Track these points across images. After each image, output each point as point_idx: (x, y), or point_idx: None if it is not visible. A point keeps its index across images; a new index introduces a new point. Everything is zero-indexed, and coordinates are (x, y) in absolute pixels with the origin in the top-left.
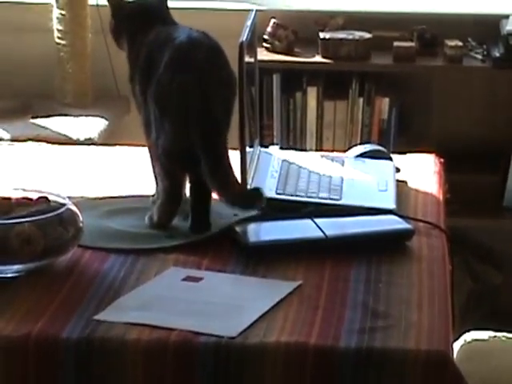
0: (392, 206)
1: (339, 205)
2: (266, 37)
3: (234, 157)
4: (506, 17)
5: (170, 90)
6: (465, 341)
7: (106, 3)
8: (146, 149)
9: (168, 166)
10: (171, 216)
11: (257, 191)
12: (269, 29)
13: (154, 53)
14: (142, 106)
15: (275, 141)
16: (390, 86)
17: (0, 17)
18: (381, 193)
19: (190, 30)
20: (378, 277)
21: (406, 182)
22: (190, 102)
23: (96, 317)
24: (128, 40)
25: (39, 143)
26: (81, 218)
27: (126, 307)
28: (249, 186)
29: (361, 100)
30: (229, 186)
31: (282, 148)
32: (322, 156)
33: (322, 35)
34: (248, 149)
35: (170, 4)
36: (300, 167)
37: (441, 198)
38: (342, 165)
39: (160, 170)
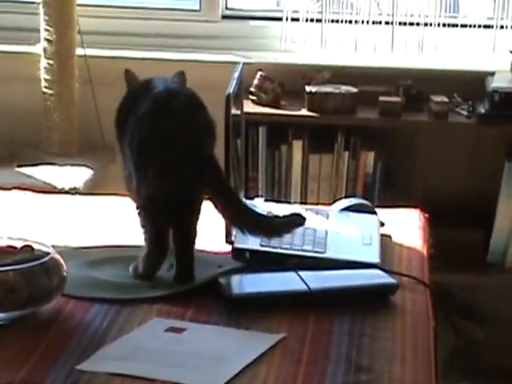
0: (376, 260)
1: (323, 258)
2: (252, 89)
3: None
4: (492, 74)
5: (152, 138)
6: None
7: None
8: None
9: (152, 213)
10: (156, 267)
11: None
12: (255, 81)
13: (131, 101)
14: (121, 155)
15: (260, 193)
16: (375, 140)
17: None
18: (365, 247)
19: (165, 80)
20: (361, 330)
21: (390, 237)
22: (176, 147)
23: (79, 366)
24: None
25: (24, 192)
26: (65, 267)
27: (109, 357)
28: (233, 238)
29: (346, 154)
30: (257, 217)
31: (266, 200)
32: (307, 209)
33: (308, 89)
34: None
35: (158, 55)
36: None
37: (425, 252)
38: (327, 218)
39: (144, 220)
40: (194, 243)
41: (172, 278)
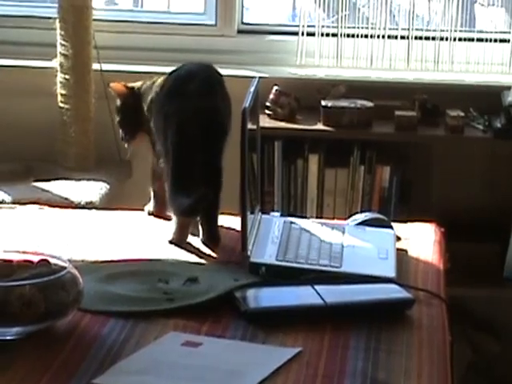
0: (392, 274)
1: (339, 272)
2: (268, 104)
3: (235, 223)
4: (508, 88)
5: (162, 116)
6: None
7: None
8: (145, 213)
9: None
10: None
11: None
12: (271, 96)
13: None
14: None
15: (276, 207)
16: (391, 154)
17: (4, 80)
18: (381, 261)
19: (194, 64)
20: (377, 345)
21: (406, 251)
22: (186, 127)
23: (95, 381)
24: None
25: (41, 206)
26: (81, 282)
27: (125, 371)
28: (249, 252)
29: (362, 168)
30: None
31: (282, 215)
32: (323, 223)
33: (324, 103)
34: (249, 215)
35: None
36: (300, 234)
37: (441, 267)
38: (343, 232)
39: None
40: (218, 208)
41: (201, 240)
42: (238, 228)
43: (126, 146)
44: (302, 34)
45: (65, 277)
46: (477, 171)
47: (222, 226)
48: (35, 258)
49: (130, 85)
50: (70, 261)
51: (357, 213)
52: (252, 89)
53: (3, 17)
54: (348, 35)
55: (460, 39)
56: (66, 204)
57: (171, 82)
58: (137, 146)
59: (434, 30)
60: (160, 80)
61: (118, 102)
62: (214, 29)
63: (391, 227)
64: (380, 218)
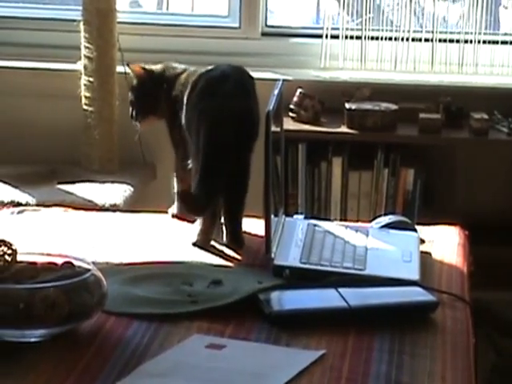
0: (416, 277)
1: (363, 275)
2: (292, 106)
3: (259, 225)
4: None
5: (195, 115)
6: None
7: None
8: (169, 215)
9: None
10: (209, 235)
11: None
12: (295, 98)
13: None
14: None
15: (299, 210)
16: (415, 157)
17: (28, 83)
18: (405, 264)
19: (227, 65)
20: (401, 348)
21: (430, 254)
22: (219, 127)
23: (119, 383)
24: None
25: (65, 209)
26: (105, 284)
27: (150, 373)
28: (273, 255)
29: (386, 171)
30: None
31: (306, 217)
32: (347, 226)
33: (348, 106)
34: (273, 217)
35: None
36: (324, 237)
37: (465, 270)
38: (367, 235)
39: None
40: (242, 211)
41: (225, 242)
42: (262, 231)
43: (135, 124)
44: (326, 36)
45: (89, 279)
46: (501, 174)
47: (245, 232)
48: (59, 261)
49: (149, 67)
50: (93, 263)
51: (381, 215)
52: (276, 91)
53: (27, 19)
54: (372, 38)
55: (484, 42)
56: (90, 206)
57: (204, 82)
58: (146, 127)
59: (459, 33)
60: (185, 76)
61: (134, 82)
62: (238, 31)
63: (415, 230)
64: (404, 220)
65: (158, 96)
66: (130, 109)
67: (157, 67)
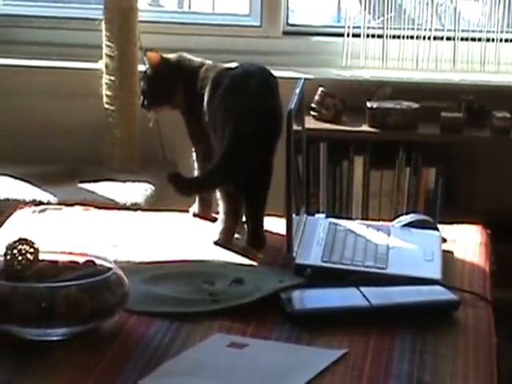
0: (438, 276)
1: (385, 274)
2: (313, 105)
3: (281, 224)
4: None
5: (220, 112)
6: None
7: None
8: (190, 214)
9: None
10: (231, 233)
11: None
12: (316, 97)
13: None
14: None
15: (321, 209)
16: (436, 156)
17: (50, 82)
18: (427, 263)
19: (249, 64)
20: (423, 347)
21: (452, 253)
22: (244, 124)
23: (141, 382)
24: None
25: (86, 207)
26: (127, 282)
27: (171, 372)
28: (295, 253)
29: (407, 170)
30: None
31: (327, 216)
32: (368, 225)
33: (369, 104)
34: (294, 216)
35: None
36: (346, 235)
37: (487, 269)
38: (388, 234)
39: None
40: (264, 210)
41: (246, 243)
42: (284, 229)
43: (147, 112)
44: (348, 35)
45: (110, 278)
46: None
47: (267, 230)
48: (81, 259)
49: (165, 56)
50: (115, 262)
51: (402, 214)
52: (297, 90)
53: (49, 18)
54: (394, 36)
55: (506, 40)
56: (112, 205)
57: (229, 80)
58: (158, 115)
59: (480, 31)
60: (204, 70)
61: (149, 71)
62: (259, 30)
63: (437, 229)
64: (425, 219)
65: (174, 86)
66: (142, 98)
67: (171, 56)
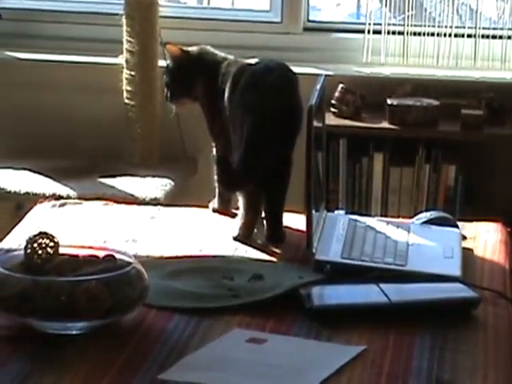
0: (458, 273)
1: (404, 271)
2: (333, 102)
3: (300, 220)
4: None
5: (240, 108)
6: None
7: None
8: (210, 210)
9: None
10: (251, 229)
11: None
12: (337, 94)
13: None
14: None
15: (340, 205)
16: (456, 153)
17: (70, 77)
18: (446, 260)
19: (269, 60)
20: (443, 344)
21: (472, 250)
22: (264, 120)
23: (160, 376)
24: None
25: (106, 202)
26: (146, 277)
27: (191, 367)
28: (314, 250)
29: (427, 167)
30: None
31: (347, 213)
32: (388, 222)
33: (389, 101)
34: (314, 212)
35: None
36: (365, 232)
37: (507, 266)
38: (408, 231)
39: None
40: (283, 206)
41: (265, 239)
42: (303, 226)
43: (170, 104)
44: (369, 31)
45: (130, 272)
46: None
47: (286, 227)
48: (101, 254)
49: (186, 48)
50: (135, 256)
51: (422, 211)
52: (318, 86)
53: (69, 13)
54: (414, 33)
55: None
56: (131, 200)
57: (249, 76)
58: (181, 109)
59: (501, 29)
60: (226, 65)
61: (170, 64)
62: (279, 26)
63: (457, 226)
64: (445, 216)
65: (195, 79)
66: (165, 90)
67: (193, 49)
